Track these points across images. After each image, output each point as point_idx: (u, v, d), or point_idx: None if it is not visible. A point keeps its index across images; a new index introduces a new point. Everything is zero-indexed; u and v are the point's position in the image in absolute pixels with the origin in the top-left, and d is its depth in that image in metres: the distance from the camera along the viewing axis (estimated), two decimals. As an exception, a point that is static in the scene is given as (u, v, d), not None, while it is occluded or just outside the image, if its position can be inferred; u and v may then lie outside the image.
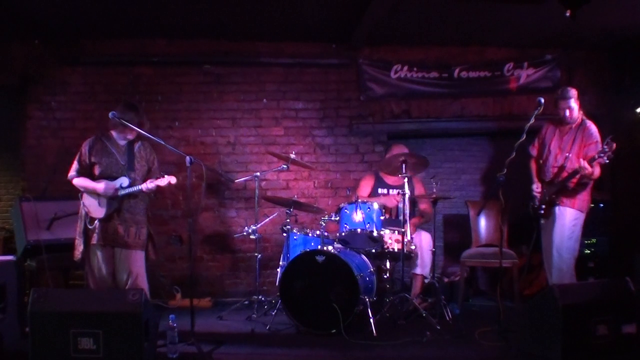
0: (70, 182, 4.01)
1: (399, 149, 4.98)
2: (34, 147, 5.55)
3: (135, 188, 3.90)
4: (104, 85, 5.60)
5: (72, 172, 3.98)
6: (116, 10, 4.81)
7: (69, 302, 3.20)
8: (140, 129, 3.88)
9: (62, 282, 5.00)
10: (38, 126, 5.56)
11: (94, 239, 3.88)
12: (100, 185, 3.88)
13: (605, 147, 3.93)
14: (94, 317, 3.11)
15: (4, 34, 5.28)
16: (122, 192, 3.90)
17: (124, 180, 3.91)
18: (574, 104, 4.33)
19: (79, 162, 3.98)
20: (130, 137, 4.01)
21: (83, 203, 3.98)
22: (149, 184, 3.88)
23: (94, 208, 3.92)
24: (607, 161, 3.99)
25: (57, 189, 5.42)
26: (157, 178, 3.91)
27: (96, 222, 3.89)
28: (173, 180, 3.91)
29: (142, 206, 4.05)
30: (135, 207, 3.99)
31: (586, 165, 4.04)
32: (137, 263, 3.96)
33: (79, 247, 3.93)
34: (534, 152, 4.63)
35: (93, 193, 3.93)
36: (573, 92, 4.35)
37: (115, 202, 3.91)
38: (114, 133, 4.02)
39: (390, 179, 5.03)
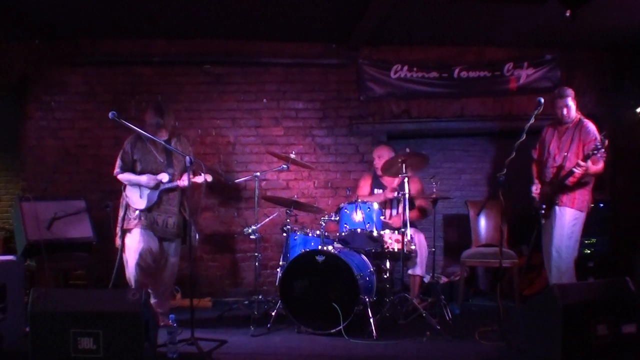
0: (115, 178, 4.30)
1: (381, 152, 5.02)
2: (34, 147, 5.56)
3: (173, 184, 4.17)
4: (104, 85, 5.61)
5: (117, 169, 4.28)
6: (116, 10, 4.81)
7: (69, 302, 3.20)
8: (140, 129, 3.96)
9: (62, 282, 5.01)
10: (38, 126, 5.57)
11: (135, 224, 4.14)
12: (143, 178, 4.15)
13: (599, 143, 3.94)
14: (94, 317, 3.11)
15: (4, 34, 5.28)
16: (163, 186, 4.16)
17: (164, 176, 4.17)
18: (570, 102, 4.34)
19: (122, 159, 4.26)
20: (161, 135, 4.21)
21: (125, 194, 4.25)
22: (185, 181, 4.06)
23: (136, 199, 4.19)
24: (601, 157, 4.01)
25: (57, 189, 5.43)
26: (194, 174, 4.08)
27: (137, 211, 4.16)
28: (209, 178, 4.18)
29: (178, 198, 4.30)
30: (174, 199, 4.27)
31: (581, 164, 4.06)
32: (174, 251, 4.32)
33: (119, 233, 4.21)
34: (535, 154, 4.64)
35: (135, 185, 4.21)
36: (570, 92, 4.37)
37: (155, 195, 4.16)
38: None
39: (386, 180, 5.03)
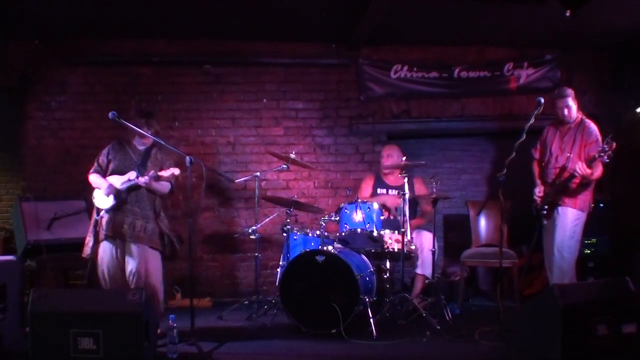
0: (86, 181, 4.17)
1: (391, 151, 5.00)
2: (34, 147, 5.56)
3: (135, 181, 3.96)
4: (104, 85, 5.61)
5: (91, 170, 4.15)
6: (116, 10, 4.80)
7: (69, 302, 3.20)
8: (140, 129, 3.95)
9: (62, 282, 5.01)
10: (38, 126, 5.56)
11: (103, 232, 3.95)
12: (104, 184, 4.00)
13: (605, 146, 3.93)
14: (94, 317, 3.12)
15: (3, 34, 5.28)
16: (125, 185, 3.98)
17: (132, 174, 4.00)
18: (571, 102, 4.34)
19: (98, 162, 4.16)
20: (146, 141, 4.12)
21: (93, 195, 4.09)
22: (145, 178, 3.92)
23: (102, 199, 4.02)
24: (607, 160, 4.00)
25: (57, 189, 5.43)
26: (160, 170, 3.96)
27: (103, 212, 3.98)
28: (177, 171, 3.97)
29: (149, 201, 4.10)
30: (142, 201, 4.06)
31: (584, 168, 4.06)
32: (146, 258, 3.99)
33: (89, 244, 4.00)
34: (536, 154, 4.63)
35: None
36: (570, 91, 4.36)
37: (121, 194, 3.99)
38: (134, 139, 4.15)
39: (389, 179, 5.02)
